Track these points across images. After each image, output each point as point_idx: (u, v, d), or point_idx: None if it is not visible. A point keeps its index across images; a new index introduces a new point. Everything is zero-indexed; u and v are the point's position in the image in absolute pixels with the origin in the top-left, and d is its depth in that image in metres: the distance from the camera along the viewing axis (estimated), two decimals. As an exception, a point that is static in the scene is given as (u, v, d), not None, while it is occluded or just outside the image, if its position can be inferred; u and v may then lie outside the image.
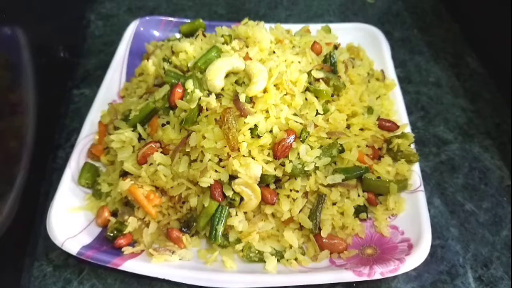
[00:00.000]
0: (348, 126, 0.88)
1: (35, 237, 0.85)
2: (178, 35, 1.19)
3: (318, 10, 1.48)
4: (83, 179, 0.88)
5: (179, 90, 0.85)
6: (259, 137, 0.78)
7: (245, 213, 0.80)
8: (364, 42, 1.15)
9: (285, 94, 0.84)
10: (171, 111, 0.85)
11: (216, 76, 0.84)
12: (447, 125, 1.08)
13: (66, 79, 1.19)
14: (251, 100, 0.82)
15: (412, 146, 0.90)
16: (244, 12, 1.45)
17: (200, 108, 0.82)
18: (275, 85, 0.84)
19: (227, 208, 0.78)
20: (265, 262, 0.76)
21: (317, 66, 0.92)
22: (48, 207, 0.81)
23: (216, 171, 0.77)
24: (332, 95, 0.89)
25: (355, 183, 0.83)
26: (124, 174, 0.84)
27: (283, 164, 0.78)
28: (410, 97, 1.14)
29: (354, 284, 0.78)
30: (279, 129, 0.79)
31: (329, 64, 0.93)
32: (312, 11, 1.48)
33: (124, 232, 0.80)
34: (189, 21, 1.21)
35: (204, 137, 0.78)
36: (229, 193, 0.77)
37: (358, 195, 0.83)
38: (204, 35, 1.02)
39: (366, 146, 0.88)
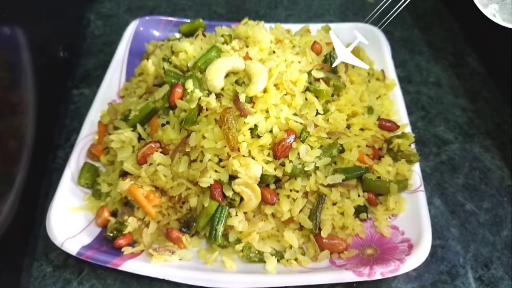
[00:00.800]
0: (348, 126, 0.88)
1: (35, 237, 0.84)
2: (178, 35, 1.18)
3: (318, 10, 1.48)
4: (82, 179, 0.87)
5: (179, 90, 0.85)
6: (259, 137, 0.78)
7: (245, 213, 0.80)
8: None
9: (285, 94, 0.83)
10: (171, 111, 0.85)
11: (216, 76, 0.84)
12: (447, 125, 1.08)
13: (66, 79, 1.19)
14: (251, 100, 0.82)
15: (413, 146, 0.90)
16: (244, 12, 1.45)
17: (200, 108, 0.82)
18: (275, 85, 0.84)
19: (227, 208, 0.78)
20: (265, 262, 0.76)
21: (317, 66, 0.91)
22: (48, 207, 0.80)
23: (216, 171, 0.77)
24: (332, 95, 0.89)
25: (355, 183, 0.83)
26: (124, 174, 0.84)
27: (283, 164, 0.78)
28: (411, 97, 1.14)
29: (354, 285, 0.77)
30: (279, 129, 0.79)
31: (329, 64, 0.93)
32: (312, 11, 1.48)
33: (124, 232, 0.80)
34: (189, 21, 1.21)
35: (204, 137, 0.77)
36: (229, 193, 0.77)
37: (358, 195, 0.83)
38: (204, 35, 1.01)
39: (366, 146, 0.88)
